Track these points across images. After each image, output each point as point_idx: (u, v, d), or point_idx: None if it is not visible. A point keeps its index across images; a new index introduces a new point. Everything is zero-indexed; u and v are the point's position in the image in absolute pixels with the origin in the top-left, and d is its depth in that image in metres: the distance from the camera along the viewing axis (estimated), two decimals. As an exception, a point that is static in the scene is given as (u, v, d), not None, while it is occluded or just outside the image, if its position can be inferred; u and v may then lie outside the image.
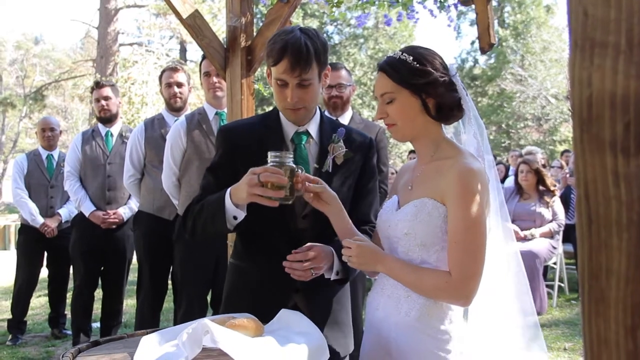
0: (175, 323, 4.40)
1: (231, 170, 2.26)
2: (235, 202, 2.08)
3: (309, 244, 2.15)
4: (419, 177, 2.10)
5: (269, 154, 2.03)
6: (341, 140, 2.30)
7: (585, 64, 0.80)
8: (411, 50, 2.05)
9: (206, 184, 2.33)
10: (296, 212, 2.25)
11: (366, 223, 2.37)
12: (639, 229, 0.79)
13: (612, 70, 0.78)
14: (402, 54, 2.03)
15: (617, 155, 0.79)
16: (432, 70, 2.00)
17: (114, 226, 5.20)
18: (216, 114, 4.20)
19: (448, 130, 2.16)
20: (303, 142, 2.30)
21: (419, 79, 1.99)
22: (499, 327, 2.11)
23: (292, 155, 2.04)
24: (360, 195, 2.36)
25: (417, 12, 4.04)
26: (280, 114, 2.31)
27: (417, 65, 1.99)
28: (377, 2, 4.11)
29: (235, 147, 2.29)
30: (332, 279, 2.21)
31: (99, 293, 5.53)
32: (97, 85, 5.42)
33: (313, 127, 2.32)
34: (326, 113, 4.23)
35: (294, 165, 2.03)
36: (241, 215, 2.11)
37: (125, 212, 5.24)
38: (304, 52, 2.10)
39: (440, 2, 3.93)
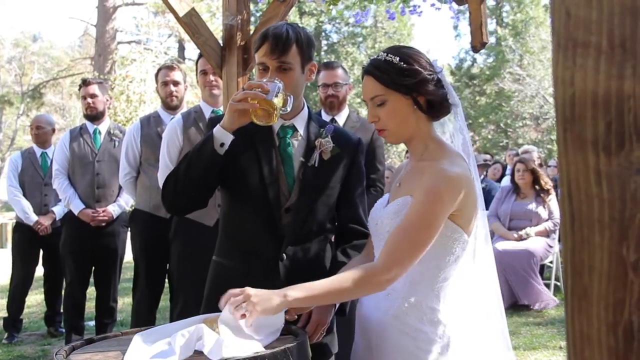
0: (172, 321, 4.41)
1: None
2: (223, 126, 2.13)
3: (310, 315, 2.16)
4: (406, 175, 2.11)
5: None
6: (329, 136, 2.31)
7: (568, 64, 0.82)
8: (396, 50, 2.04)
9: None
10: (280, 203, 2.26)
11: (354, 224, 2.38)
12: (620, 226, 0.80)
13: (594, 70, 0.79)
14: (387, 55, 2.02)
15: (599, 154, 0.80)
16: (421, 69, 1.99)
17: (103, 224, 5.19)
18: (212, 112, 4.20)
19: (439, 129, 2.16)
20: (288, 136, 2.31)
21: (409, 79, 1.98)
22: (480, 328, 2.11)
23: (281, 82, 2.11)
24: (348, 196, 2.37)
25: (418, 7, 4.03)
26: None
27: (405, 65, 1.99)
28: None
29: None
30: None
31: (94, 291, 5.54)
32: (85, 82, 5.43)
33: (300, 123, 2.34)
34: (323, 112, 4.25)
35: (280, 85, 2.09)
36: (228, 139, 2.13)
37: (114, 209, 5.24)
38: (283, 36, 2.17)
39: None
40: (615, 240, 0.80)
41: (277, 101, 2.06)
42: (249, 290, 1.84)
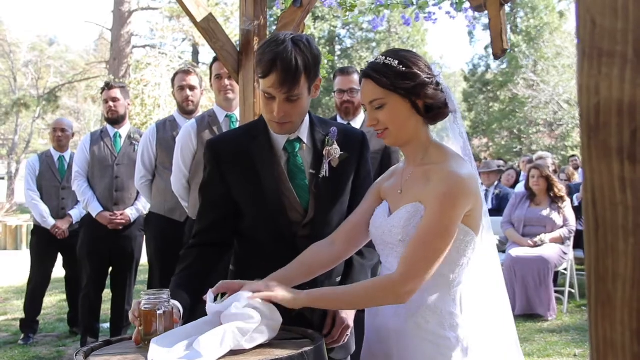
0: (184, 324, 4.43)
1: (221, 186, 2.26)
2: None
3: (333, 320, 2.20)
4: (408, 181, 2.07)
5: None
6: (335, 143, 2.25)
7: (593, 73, 0.82)
8: (394, 54, 2.02)
9: (199, 212, 2.36)
10: (290, 221, 2.24)
11: None
12: (644, 234, 0.81)
13: (619, 78, 0.80)
14: (385, 59, 1.99)
15: (623, 162, 0.81)
16: (419, 72, 1.97)
17: (120, 227, 5.24)
18: (226, 116, 4.21)
19: (433, 131, 2.13)
20: (296, 150, 2.26)
21: (407, 83, 1.96)
22: (494, 329, 2.10)
23: (153, 297, 1.99)
24: (358, 194, 2.32)
25: (433, 14, 4.02)
26: None
27: (404, 68, 1.97)
28: (390, 4, 4.10)
29: (222, 162, 2.27)
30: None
31: (108, 294, 5.57)
32: (107, 86, 5.48)
33: (304, 133, 2.28)
34: (338, 117, 4.26)
35: (149, 307, 1.98)
36: None
37: (132, 213, 5.28)
38: (292, 69, 2.03)
39: (457, 3, 3.92)
40: (639, 247, 0.81)
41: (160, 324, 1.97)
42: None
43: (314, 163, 2.26)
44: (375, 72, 1.99)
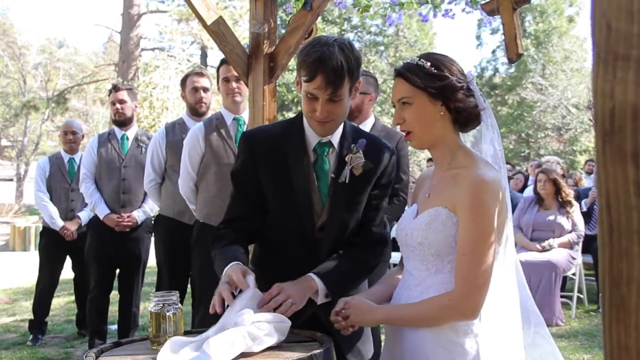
0: (193, 327, 4.43)
1: (252, 177, 2.28)
2: None
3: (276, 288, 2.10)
4: (435, 185, 2.09)
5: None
6: (360, 151, 2.26)
7: (608, 77, 0.82)
8: (428, 56, 2.06)
9: (230, 201, 2.38)
10: (313, 223, 2.26)
11: (367, 223, 2.35)
12: (659, 238, 0.80)
13: (634, 83, 0.80)
14: (419, 60, 2.04)
15: (638, 166, 0.81)
16: (450, 75, 2.00)
17: (127, 229, 5.23)
18: (234, 119, 4.21)
19: (466, 138, 2.15)
20: (325, 153, 2.28)
21: (437, 83, 1.99)
22: (510, 337, 2.09)
23: (162, 299, 2.07)
24: (371, 203, 2.33)
25: (450, 10, 4.01)
26: (305, 122, 2.28)
27: (435, 70, 2.00)
28: (405, 3, 4.07)
29: (255, 155, 2.29)
30: (319, 302, 2.19)
31: (116, 296, 5.58)
32: (115, 88, 5.49)
33: (336, 138, 2.30)
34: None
35: (158, 309, 2.04)
36: None
37: (139, 215, 5.28)
38: (338, 71, 2.07)
39: (472, 1, 3.89)
40: (654, 252, 0.81)
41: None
42: (353, 301, 2.08)
43: (337, 168, 2.28)
44: (407, 71, 2.04)
